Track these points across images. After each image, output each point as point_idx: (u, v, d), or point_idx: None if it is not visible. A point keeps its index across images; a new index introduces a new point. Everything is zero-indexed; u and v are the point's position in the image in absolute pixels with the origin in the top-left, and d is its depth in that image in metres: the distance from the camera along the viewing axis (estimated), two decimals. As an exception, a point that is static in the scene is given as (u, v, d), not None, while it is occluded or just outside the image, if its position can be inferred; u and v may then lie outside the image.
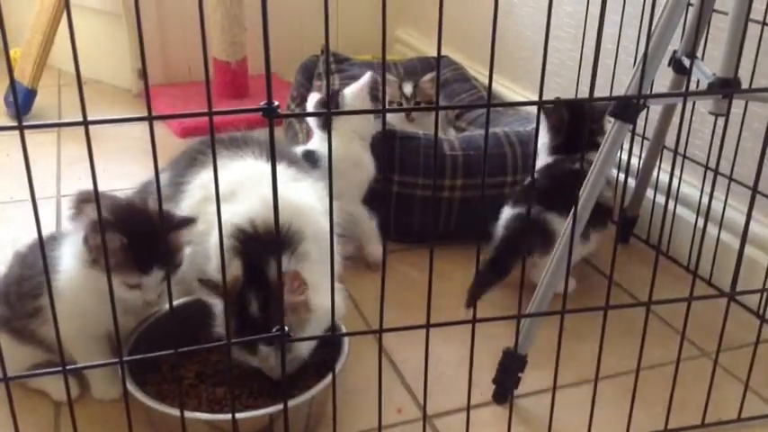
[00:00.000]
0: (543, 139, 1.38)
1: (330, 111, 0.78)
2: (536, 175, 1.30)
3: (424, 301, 0.83)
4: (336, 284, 1.07)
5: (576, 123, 1.33)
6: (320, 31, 0.70)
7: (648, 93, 1.08)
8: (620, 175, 1.54)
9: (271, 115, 0.76)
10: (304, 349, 0.99)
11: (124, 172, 1.72)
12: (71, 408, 0.78)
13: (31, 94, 2.14)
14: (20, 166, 1.84)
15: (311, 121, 1.48)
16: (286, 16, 2.45)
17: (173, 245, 0.98)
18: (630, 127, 0.96)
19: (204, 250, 1.07)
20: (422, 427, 1.01)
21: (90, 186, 1.24)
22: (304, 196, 1.11)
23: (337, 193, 0.85)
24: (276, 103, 0.76)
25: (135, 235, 0.93)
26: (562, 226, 1.31)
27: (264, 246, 0.98)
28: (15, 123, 0.62)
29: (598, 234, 1.35)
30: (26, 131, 0.62)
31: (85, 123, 0.70)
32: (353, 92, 1.43)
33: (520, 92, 1.99)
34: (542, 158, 1.39)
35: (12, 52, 2.51)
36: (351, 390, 1.10)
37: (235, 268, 0.98)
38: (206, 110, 0.75)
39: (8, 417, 0.81)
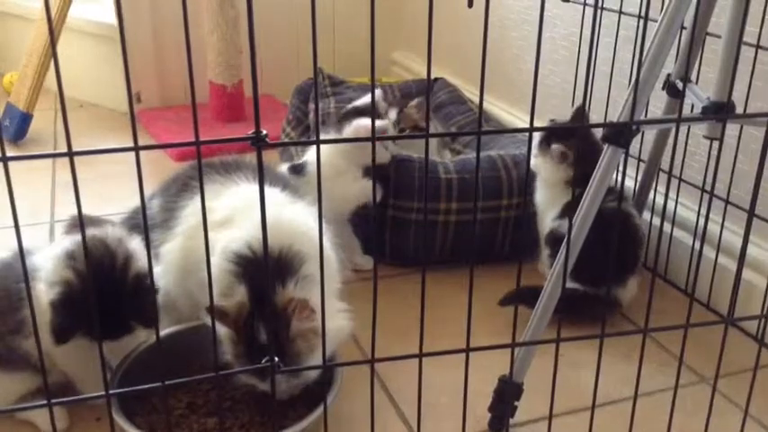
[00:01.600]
0: (550, 173, 1.37)
1: (319, 140, 0.77)
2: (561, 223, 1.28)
3: (418, 326, 0.82)
4: (340, 304, 1.06)
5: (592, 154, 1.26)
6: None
7: (642, 117, 1.08)
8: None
9: (259, 144, 0.75)
10: (312, 372, 0.98)
11: (119, 196, 1.71)
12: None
13: (27, 118, 2.14)
14: (16, 191, 1.81)
15: None
16: (282, 39, 2.45)
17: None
18: (624, 151, 0.96)
19: (199, 279, 1.06)
20: (416, 457, 0.99)
21: (84, 212, 1.24)
22: (301, 218, 1.10)
23: (324, 210, 0.84)
24: (264, 131, 0.75)
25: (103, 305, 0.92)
26: (626, 293, 1.33)
27: (277, 264, 0.97)
28: (10, 149, 0.62)
29: (636, 277, 1.34)
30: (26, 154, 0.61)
31: (70, 155, 0.69)
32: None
33: (517, 115, 1.99)
34: (547, 191, 1.39)
35: (8, 76, 2.52)
36: (344, 419, 1.08)
37: (240, 295, 0.97)
38: (205, 129, 0.74)
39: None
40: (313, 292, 0.96)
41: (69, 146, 0.69)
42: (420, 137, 1.69)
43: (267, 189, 1.13)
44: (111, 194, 1.75)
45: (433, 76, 2.14)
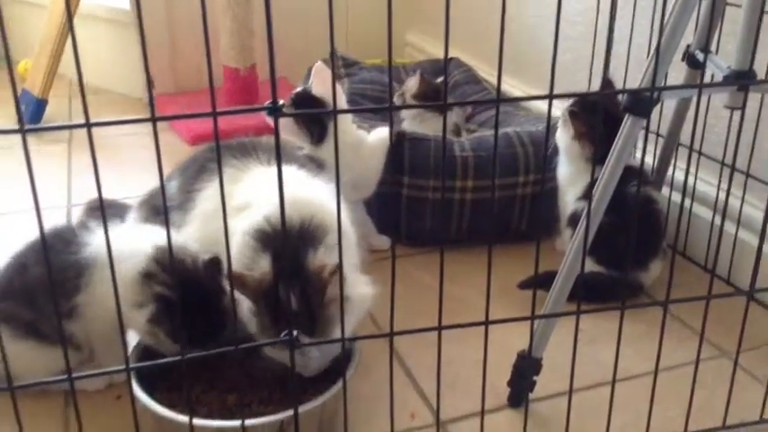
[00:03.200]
0: (569, 147, 1.35)
1: (336, 109, 0.76)
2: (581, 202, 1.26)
3: (436, 306, 0.81)
4: (363, 276, 1.06)
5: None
6: (329, 35, 0.69)
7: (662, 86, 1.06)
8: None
9: (276, 114, 0.74)
10: (348, 330, 0.98)
11: (133, 180, 1.72)
12: (78, 416, 0.77)
13: (41, 103, 2.15)
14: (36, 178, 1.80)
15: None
16: (294, 22, 2.44)
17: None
18: (644, 122, 0.94)
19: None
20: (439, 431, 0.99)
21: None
22: (320, 194, 1.10)
23: (345, 191, 0.84)
24: (281, 101, 0.75)
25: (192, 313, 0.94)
26: (648, 277, 1.32)
27: (294, 240, 0.97)
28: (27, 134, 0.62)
29: (659, 261, 1.33)
30: (38, 141, 0.62)
31: (88, 126, 0.69)
32: None
33: (533, 93, 1.97)
34: (570, 167, 1.38)
35: (23, 63, 2.53)
36: (363, 396, 1.08)
37: (263, 265, 0.96)
38: (216, 107, 0.74)
39: (14, 425, 0.80)
40: (336, 260, 0.96)
41: (87, 117, 0.68)
42: (438, 105, 1.67)
43: (285, 167, 1.13)
44: (128, 179, 1.75)
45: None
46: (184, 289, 0.95)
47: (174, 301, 0.95)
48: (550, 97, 0.76)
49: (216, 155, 1.19)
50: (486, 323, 0.88)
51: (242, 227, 1.02)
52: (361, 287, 1.00)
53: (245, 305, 0.95)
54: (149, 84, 0.75)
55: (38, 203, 0.68)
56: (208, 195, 1.14)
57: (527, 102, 1.95)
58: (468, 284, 1.34)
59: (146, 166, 1.95)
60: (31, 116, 2.13)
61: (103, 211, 0.76)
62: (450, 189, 1.43)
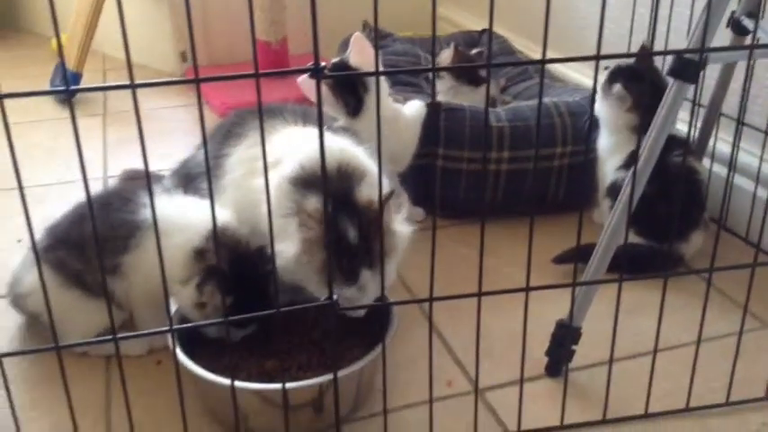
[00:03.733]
0: (615, 118, 1.33)
1: (378, 71, 0.76)
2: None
3: (471, 277, 0.81)
4: (399, 216, 1.06)
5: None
6: (361, 7, 0.69)
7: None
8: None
9: (319, 76, 0.74)
10: (392, 273, 1.00)
11: (167, 153, 1.73)
12: (122, 377, 0.78)
13: (76, 78, 2.16)
14: (67, 150, 1.88)
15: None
16: (326, -5, 2.43)
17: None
18: (690, 88, 0.92)
19: (255, 216, 1.06)
20: (473, 400, 0.98)
21: (137, 166, 1.26)
22: (352, 147, 1.10)
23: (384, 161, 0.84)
24: (324, 63, 0.74)
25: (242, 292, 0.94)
26: (689, 248, 1.30)
27: (334, 181, 0.98)
28: (63, 107, 0.62)
29: (700, 233, 1.31)
30: (76, 114, 0.62)
31: (132, 86, 0.69)
32: None
33: (572, 65, 1.93)
34: (612, 138, 1.36)
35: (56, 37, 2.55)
36: (398, 363, 1.08)
37: (312, 203, 0.96)
38: (250, 86, 0.74)
39: (57, 384, 0.81)
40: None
41: (131, 77, 0.69)
42: (481, 66, 1.65)
43: (314, 128, 1.13)
44: (159, 152, 1.76)
45: (479, 28, 2.10)
46: (237, 266, 0.96)
47: (227, 275, 0.95)
48: (597, 58, 0.74)
49: (240, 119, 1.20)
50: (527, 289, 0.87)
51: (275, 180, 1.02)
52: (400, 225, 1.02)
53: (291, 251, 0.95)
54: (193, 48, 0.74)
55: (83, 162, 0.68)
56: (235, 161, 1.14)
57: (566, 71, 1.92)
58: (503, 256, 1.33)
59: (179, 138, 1.96)
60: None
61: (149, 178, 0.77)
62: (486, 160, 1.41)
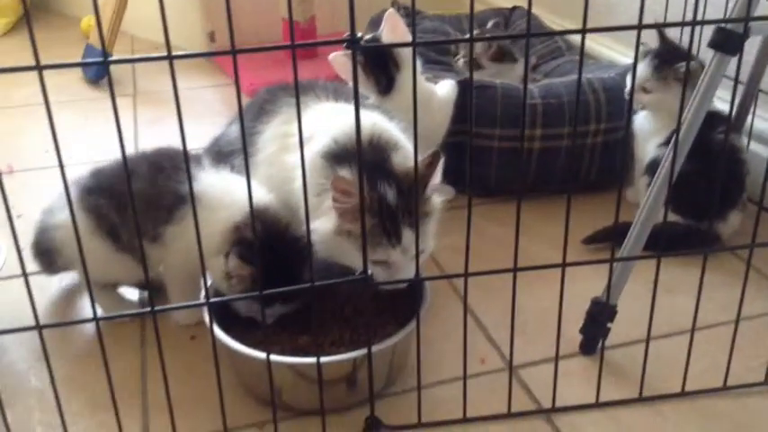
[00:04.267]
0: (665, 97, 1.30)
1: (415, 41, 0.75)
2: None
3: (502, 255, 0.80)
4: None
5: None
6: None
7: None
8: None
9: (355, 47, 0.73)
10: (430, 239, 1.00)
11: (197, 133, 1.73)
12: (160, 349, 0.79)
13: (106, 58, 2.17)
14: (98, 129, 1.89)
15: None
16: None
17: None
18: (731, 60, 0.90)
19: (286, 199, 1.06)
20: (506, 377, 0.98)
21: (167, 147, 1.27)
22: (383, 120, 1.10)
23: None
24: (360, 33, 0.73)
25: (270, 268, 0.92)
26: (726, 228, 1.28)
27: (368, 154, 0.97)
28: (92, 88, 0.62)
29: (738, 212, 1.28)
30: (104, 94, 0.62)
31: (170, 58, 0.69)
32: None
33: (605, 43, 1.90)
34: (656, 118, 1.33)
35: (86, 20, 2.57)
36: (430, 340, 1.08)
37: (346, 173, 0.96)
38: (277, 66, 0.73)
39: (91, 359, 0.81)
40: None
41: (169, 50, 0.69)
42: (520, 36, 1.61)
43: (345, 105, 1.12)
44: (191, 130, 1.77)
45: (510, 5, 2.07)
46: (272, 244, 0.96)
47: (254, 247, 0.95)
48: (639, 27, 0.73)
49: (272, 96, 1.19)
50: (564, 265, 0.86)
51: (308, 155, 1.02)
52: (433, 194, 1.02)
53: (327, 226, 0.95)
54: (230, 18, 0.74)
55: (121, 134, 0.69)
56: (268, 138, 1.14)
57: (598, 48, 1.89)
58: (533, 234, 1.32)
59: (208, 118, 1.97)
60: (97, 71, 2.16)
61: (187, 157, 0.77)
62: (517, 138, 1.40)
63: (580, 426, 0.93)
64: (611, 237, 1.08)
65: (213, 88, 2.20)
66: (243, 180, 1.08)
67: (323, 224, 0.95)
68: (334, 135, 1.01)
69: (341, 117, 1.05)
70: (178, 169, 1.04)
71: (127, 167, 0.71)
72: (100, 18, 0.69)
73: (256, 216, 0.95)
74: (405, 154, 1.01)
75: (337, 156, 0.99)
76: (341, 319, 1.03)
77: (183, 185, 1.02)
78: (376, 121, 1.06)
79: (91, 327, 1.12)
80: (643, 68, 1.30)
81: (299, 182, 1.02)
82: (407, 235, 0.93)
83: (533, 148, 1.41)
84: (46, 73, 0.64)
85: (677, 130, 0.86)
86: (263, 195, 1.03)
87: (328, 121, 1.06)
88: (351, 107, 1.10)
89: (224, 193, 1.02)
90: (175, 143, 0.75)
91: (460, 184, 1.49)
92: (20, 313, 1.15)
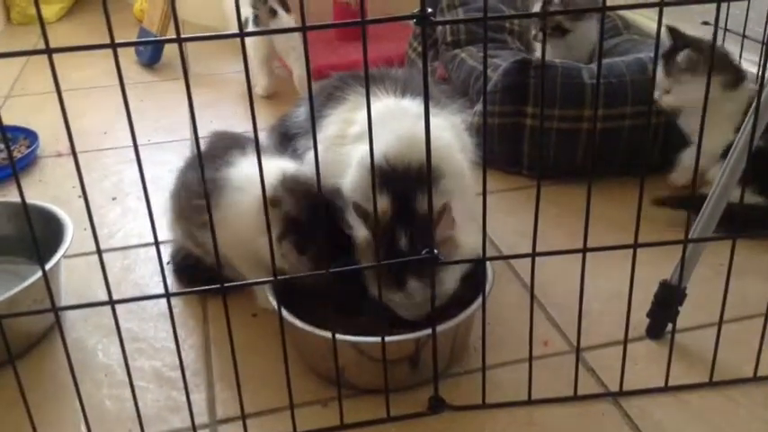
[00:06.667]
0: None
1: (486, 16, 0.73)
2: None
3: (564, 237, 0.78)
4: (474, 224, 1.03)
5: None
6: None
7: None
8: None
9: (424, 23, 0.72)
10: (450, 283, 0.97)
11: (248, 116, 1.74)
12: (229, 326, 0.79)
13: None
14: (154, 112, 1.92)
15: None
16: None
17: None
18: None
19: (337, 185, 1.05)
20: (570, 360, 0.96)
21: (221, 129, 1.27)
22: (440, 133, 1.07)
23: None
24: (429, 9, 0.72)
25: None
26: None
27: (408, 180, 0.95)
28: (146, 72, 0.63)
29: None
30: (158, 77, 0.62)
31: (241, 35, 0.70)
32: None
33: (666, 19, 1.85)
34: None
35: (138, 3, 2.60)
36: (492, 322, 1.06)
37: (381, 203, 0.95)
38: (326, 50, 0.73)
39: (157, 330, 0.83)
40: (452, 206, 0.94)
41: (240, 28, 0.69)
42: (596, 10, 1.57)
43: (407, 101, 1.10)
44: (242, 115, 1.78)
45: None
46: (311, 211, 0.96)
47: (301, 221, 0.96)
48: (661, 5, 0.71)
49: (342, 83, 1.19)
50: (636, 246, 0.84)
51: (359, 156, 1.01)
52: (470, 236, 0.97)
53: (361, 237, 0.95)
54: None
55: (193, 112, 0.69)
56: (331, 121, 1.14)
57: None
58: (596, 216, 1.29)
59: (258, 102, 1.98)
60: (151, 55, 2.18)
61: (257, 140, 0.77)
62: (577, 118, 1.37)
63: (649, 410, 0.91)
64: (685, 205, 1.04)
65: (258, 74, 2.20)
66: (270, 158, 1.09)
67: (358, 230, 0.96)
68: (387, 151, 0.97)
69: (402, 122, 1.02)
70: (214, 158, 1.07)
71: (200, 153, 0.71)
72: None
73: (291, 184, 0.98)
74: (448, 187, 0.96)
75: (383, 174, 0.95)
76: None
77: (216, 173, 1.04)
78: (436, 138, 1.02)
79: (152, 304, 1.14)
80: (659, 72, 1.27)
81: (347, 178, 1.02)
82: (412, 283, 0.91)
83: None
84: (101, 57, 0.65)
85: (756, 109, 0.83)
86: (291, 165, 1.05)
87: (389, 122, 1.03)
88: (417, 107, 1.08)
89: (253, 172, 1.03)
90: (228, 126, 0.76)
91: (517, 166, 1.47)
92: (86, 290, 1.18)
